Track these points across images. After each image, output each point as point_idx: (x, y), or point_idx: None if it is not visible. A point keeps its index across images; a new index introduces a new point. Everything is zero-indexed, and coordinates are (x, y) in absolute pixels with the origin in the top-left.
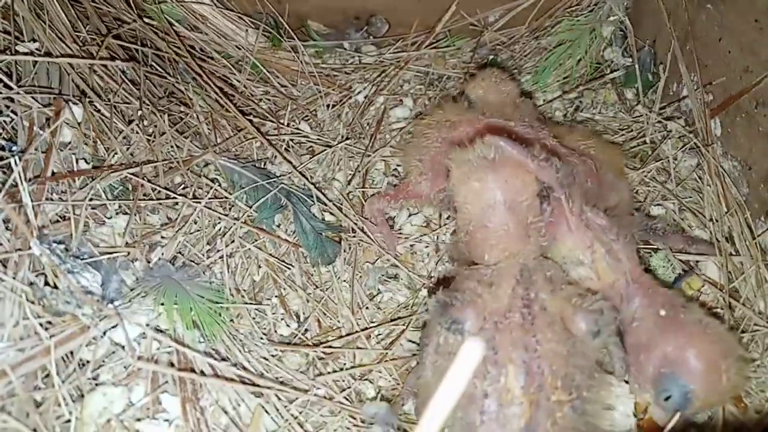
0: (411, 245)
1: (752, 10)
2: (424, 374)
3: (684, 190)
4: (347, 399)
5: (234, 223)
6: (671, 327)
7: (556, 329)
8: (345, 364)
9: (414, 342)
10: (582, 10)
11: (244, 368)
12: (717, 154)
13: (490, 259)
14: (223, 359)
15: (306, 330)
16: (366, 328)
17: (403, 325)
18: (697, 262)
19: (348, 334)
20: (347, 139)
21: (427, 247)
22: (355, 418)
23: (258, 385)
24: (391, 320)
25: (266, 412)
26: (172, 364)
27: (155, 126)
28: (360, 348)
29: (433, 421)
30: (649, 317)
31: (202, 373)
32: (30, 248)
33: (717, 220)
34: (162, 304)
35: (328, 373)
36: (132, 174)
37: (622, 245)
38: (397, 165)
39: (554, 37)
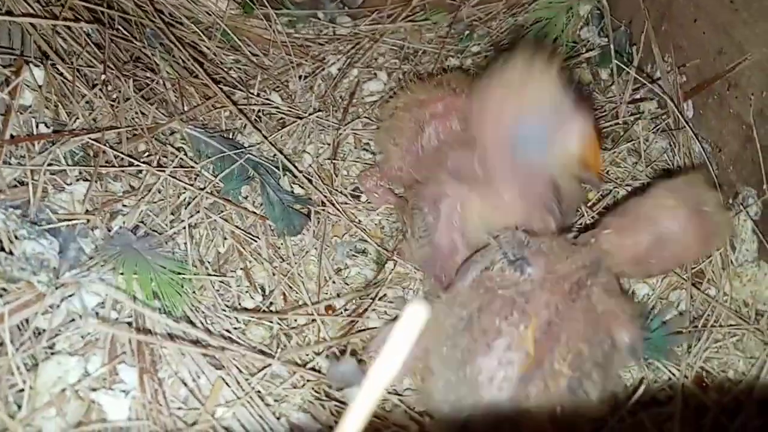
0: (379, 220)
1: None
2: (461, 286)
3: (654, 172)
4: (314, 370)
5: (199, 194)
6: None
7: (588, 318)
8: (309, 337)
9: (383, 314)
10: None
11: (206, 339)
12: (688, 136)
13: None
14: (185, 330)
15: (271, 303)
16: (330, 304)
17: (371, 299)
18: None
19: (314, 304)
20: (319, 111)
21: (396, 222)
22: (318, 392)
23: (218, 348)
24: (358, 294)
25: (227, 384)
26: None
27: (119, 91)
28: (325, 322)
29: (373, 389)
30: None
31: (163, 337)
32: None
33: None
34: (122, 274)
35: (292, 346)
36: (94, 140)
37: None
38: (369, 139)
39: (531, 14)
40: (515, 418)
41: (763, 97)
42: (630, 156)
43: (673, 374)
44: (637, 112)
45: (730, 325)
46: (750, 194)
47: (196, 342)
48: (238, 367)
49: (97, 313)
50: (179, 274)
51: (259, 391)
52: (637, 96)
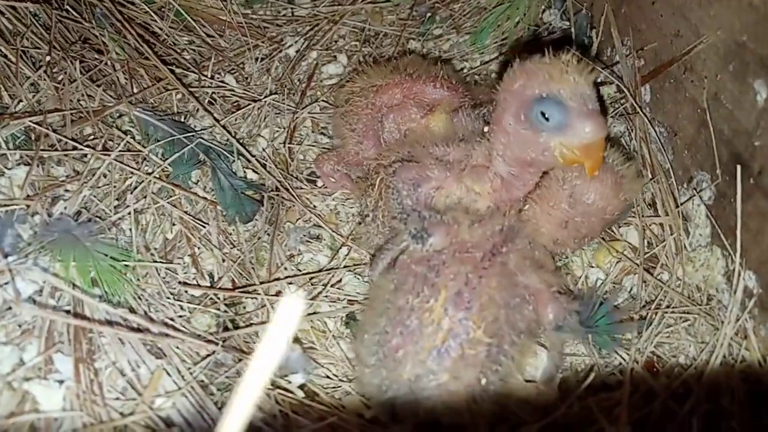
0: (334, 205)
1: None
2: (372, 276)
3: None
4: None
5: (146, 178)
6: None
7: (504, 283)
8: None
9: (336, 300)
10: None
11: (146, 326)
12: (645, 120)
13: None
14: (125, 317)
15: (219, 290)
16: (280, 290)
17: (323, 285)
18: (619, 226)
19: (264, 291)
20: (275, 94)
21: (351, 207)
22: None
23: (159, 335)
24: (310, 281)
25: (167, 373)
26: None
27: (66, 73)
28: (275, 308)
29: (254, 382)
30: None
31: (100, 323)
32: None
33: None
34: (60, 261)
35: (237, 330)
36: (36, 123)
37: None
38: (327, 123)
39: None
40: (434, 395)
41: (717, 81)
42: None
43: (624, 359)
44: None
45: (682, 310)
46: (704, 179)
47: (136, 330)
48: (180, 356)
49: (34, 301)
50: (121, 261)
51: (202, 381)
52: (598, 80)
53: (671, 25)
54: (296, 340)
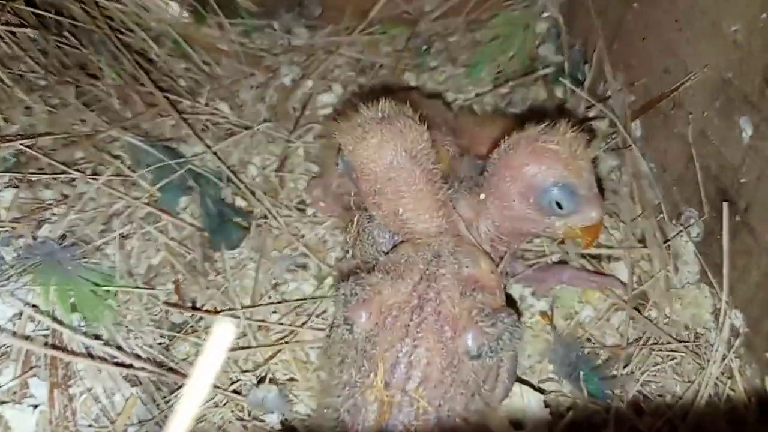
0: (323, 233)
1: (673, 10)
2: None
3: (602, 191)
4: (235, 392)
5: (134, 203)
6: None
7: (443, 337)
8: (239, 354)
9: (320, 329)
10: (517, 4)
11: (124, 353)
12: (635, 156)
13: (405, 215)
14: (105, 344)
15: (201, 318)
16: (264, 319)
17: (306, 316)
18: (609, 261)
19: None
20: (268, 121)
21: (340, 236)
22: (241, 411)
23: (131, 366)
24: (294, 309)
25: (142, 402)
26: (46, 345)
27: (60, 97)
28: (257, 338)
29: (186, 409)
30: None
31: (74, 353)
32: None
33: (628, 222)
34: (41, 284)
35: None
36: (26, 146)
37: None
38: (320, 152)
39: (489, 30)
40: None
41: (704, 117)
42: None
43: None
44: (590, 130)
45: (670, 349)
46: (692, 215)
47: (111, 358)
48: (156, 384)
49: (13, 324)
50: (102, 286)
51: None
52: (590, 114)
53: (660, 61)
54: (272, 380)
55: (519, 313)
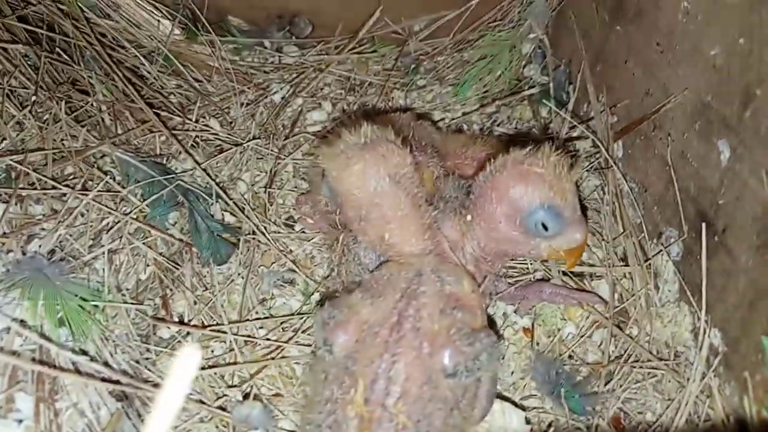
0: (310, 249)
1: (655, 32)
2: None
3: (585, 210)
4: (221, 408)
5: (122, 219)
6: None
7: (422, 353)
8: (225, 371)
9: (306, 345)
10: (504, 25)
11: (110, 369)
12: (617, 176)
13: (391, 239)
14: (92, 359)
15: (188, 333)
16: (251, 334)
17: (293, 332)
18: (592, 279)
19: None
20: (258, 138)
21: (328, 252)
22: (227, 426)
23: (118, 382)
24: (281, 325)
25: (127, 416)
26: (34, 360)
27: (51, 113)
28: (243, 353)
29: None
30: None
31: (61, 368)
32: None
33: (610, 241)
34: (29, 299)
35: (202, 371)
36: (17, 162)
37: None
38: (308, 169)
39: (476, 50)
40: None
41: (684, 139)
42: None
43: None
44: (573, 150)
45: (650, 366)
46: (672, 235)
47: (97, 373)
48: (142, 399)
49: (0, 339)
50: (90, 301)
51: None
52: (574, 134)
53: (642, 83)
54: (257, 396)
55: (499, 336)
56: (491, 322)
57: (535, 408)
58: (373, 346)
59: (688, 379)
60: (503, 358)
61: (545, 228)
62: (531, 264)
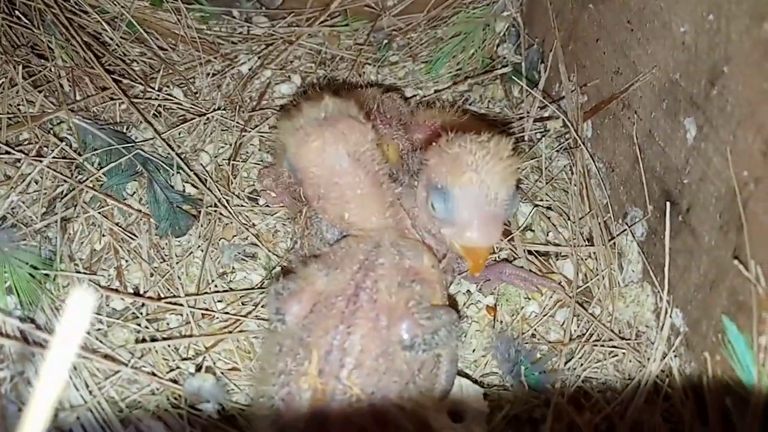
0: (273, 224)
1: (626, 10)
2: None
3: (553, 190)
4: (173, 381)
5: (78, 187)
6: None
7: (378, 325)
8: (179, 344)
9: (264, 319)
10: (479, 3)
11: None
12: (585, 156)
13: (351, 218)
14: (38, 327)
15: (143, 305)
16: (208, 307)
17: (252, 306)
18: (557, 258)
19: (190, 296)
20: (222, 109)
21: (290, 227)
22: (177, 399)
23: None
24: (240, 299)
25: (75, 387)
26: None
27: (7, 77)
28: (200, 326)
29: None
30: None
31: (7, 335)
32: None
33: (576, 221)
34: None
35: (154, 343)
36: None
37: None
38: (273, 141)
39: (450, 28)
40: None
41: (652, 118)
42: (533, 173)
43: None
44: (543, 129)
45: (612, 345)
46: (637, 215)
47: (45, 342)
48: (90, 370)
49: None
50: (40, 270)
51: (111, 397)
52: (545, 114)
53: (612, 62)
54: (208, 369)
55: (461, 315)
56: (453, 302)
57: (495, 386)
58: (329, 317)
59: (649, 359)
60: (464, 336)
61: (434, 208)
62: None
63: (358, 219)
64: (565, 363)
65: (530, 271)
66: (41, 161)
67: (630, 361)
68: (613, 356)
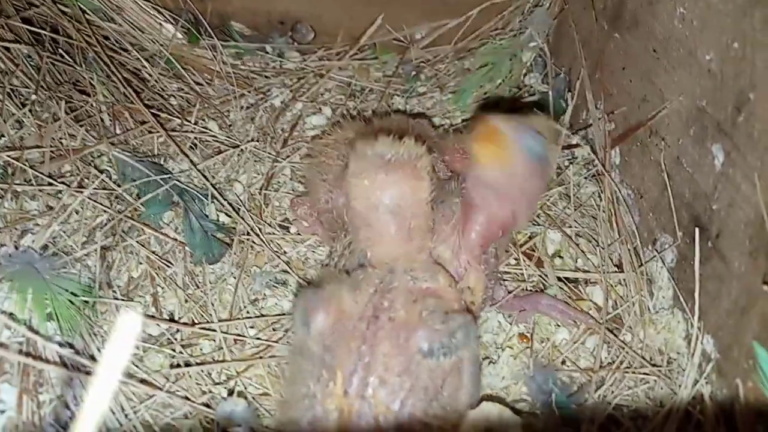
0: (304, 252)
1: (651, 39)
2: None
3: (582, 216)
4: (205, 405)
5: (117, 216)
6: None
7: (398, 343)
8: (212, 368)
9: None
10: (505, 34)
11: (96, 363)
12: (614, 182)
13: (372, 258)
14: (77, 353)
15: (177, 330)
16: (240, 333)
17: (283, 332)
18: (586, 285)
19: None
20: (256, 141)
21: (321, 254)
22: (211, 423)
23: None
24: (271, 326)
25: (111, 411)
26: (20, 353)
27: (50, 112)
28: (232, 351)
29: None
30: None
31: (47, 360)
32: None
33: (605, 247)
34: (19, 292)
35: (188, 368)
36: (14, 158)
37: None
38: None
39: (477, 58)
40: None
41: (679, 145)
42: (561, 200)
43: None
44: (571, 156)
45: (643, 372)
46: (667, 241)
47: (83, 367)
48: (126, 394)
49: None
50: (79, 297)
51: (146, 421)
52: (573, 141)
53: (639, 89)
54: (240, 394)
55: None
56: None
57: (525, 413)
58: (351, 339)
59: (680, 386)
60: (494, 362)
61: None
62: (525, 269)
63: (378, 260)
64: (596, 390)
65: (565, 302)
66: (82, 192)
67: (661, 388)
68: (644, 383)
